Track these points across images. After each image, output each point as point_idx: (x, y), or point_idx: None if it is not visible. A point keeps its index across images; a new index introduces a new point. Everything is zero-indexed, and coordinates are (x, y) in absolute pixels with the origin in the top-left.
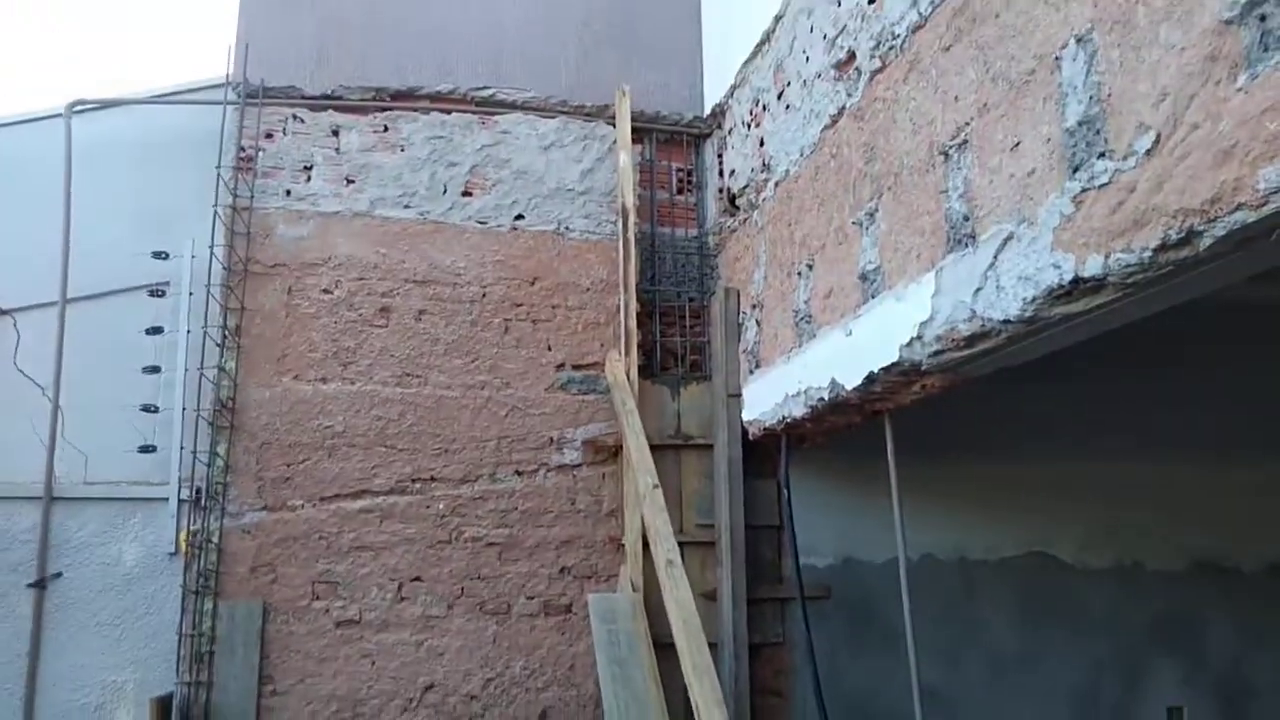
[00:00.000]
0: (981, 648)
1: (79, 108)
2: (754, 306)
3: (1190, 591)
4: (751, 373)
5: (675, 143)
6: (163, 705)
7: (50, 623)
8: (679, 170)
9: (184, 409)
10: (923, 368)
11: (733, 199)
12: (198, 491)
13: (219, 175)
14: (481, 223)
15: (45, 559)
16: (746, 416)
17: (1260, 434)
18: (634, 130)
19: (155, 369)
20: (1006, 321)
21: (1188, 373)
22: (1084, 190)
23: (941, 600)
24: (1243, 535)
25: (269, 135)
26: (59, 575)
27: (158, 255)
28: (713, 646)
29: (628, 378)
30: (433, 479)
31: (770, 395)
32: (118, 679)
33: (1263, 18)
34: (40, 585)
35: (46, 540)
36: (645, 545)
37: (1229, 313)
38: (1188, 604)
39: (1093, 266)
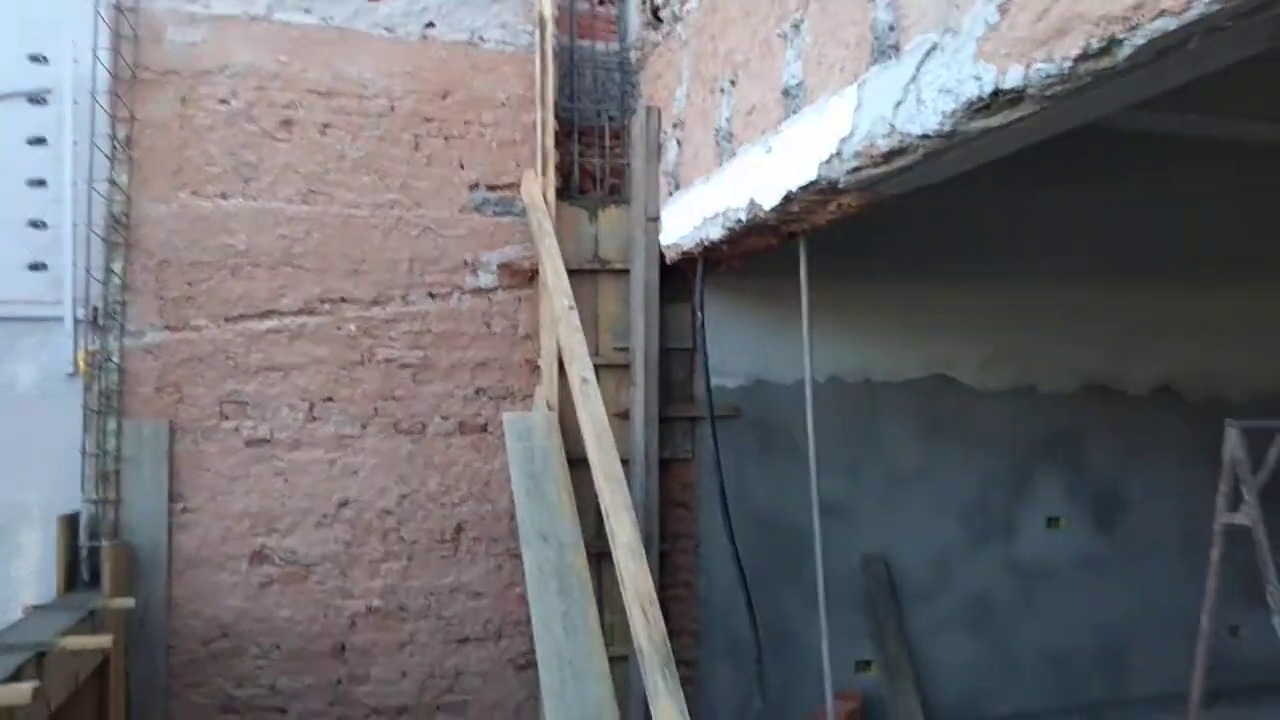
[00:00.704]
0: (881, 464)
1: None
2: (675, 125)
3: (1078, 412)
4: (671, 195)
5: None
6: (70, 523)
7: None
8: None
9: (75, 225)
10: (840, 186)
11: (655, 11)
12: (94, 310)
13: None
14: (389, 30)
15: None
16: (664, 240)
17: (1153, 259)
18: None
19: (40, 182)
20: (925, 136)
21: (1090, 197)
22: None
23: (846, 420)
24: (1131, 358)
25: None
26: None
27: (35, 59)
28: (625, 463)
29: (545, 199)
30: (343, 300)
31: (689, 218)
32: (22, 499)
33: None
34: None
35: None
36: (561, 367)
37: (1136, 139)
38: (1075, 423)
39: (1013, 78)
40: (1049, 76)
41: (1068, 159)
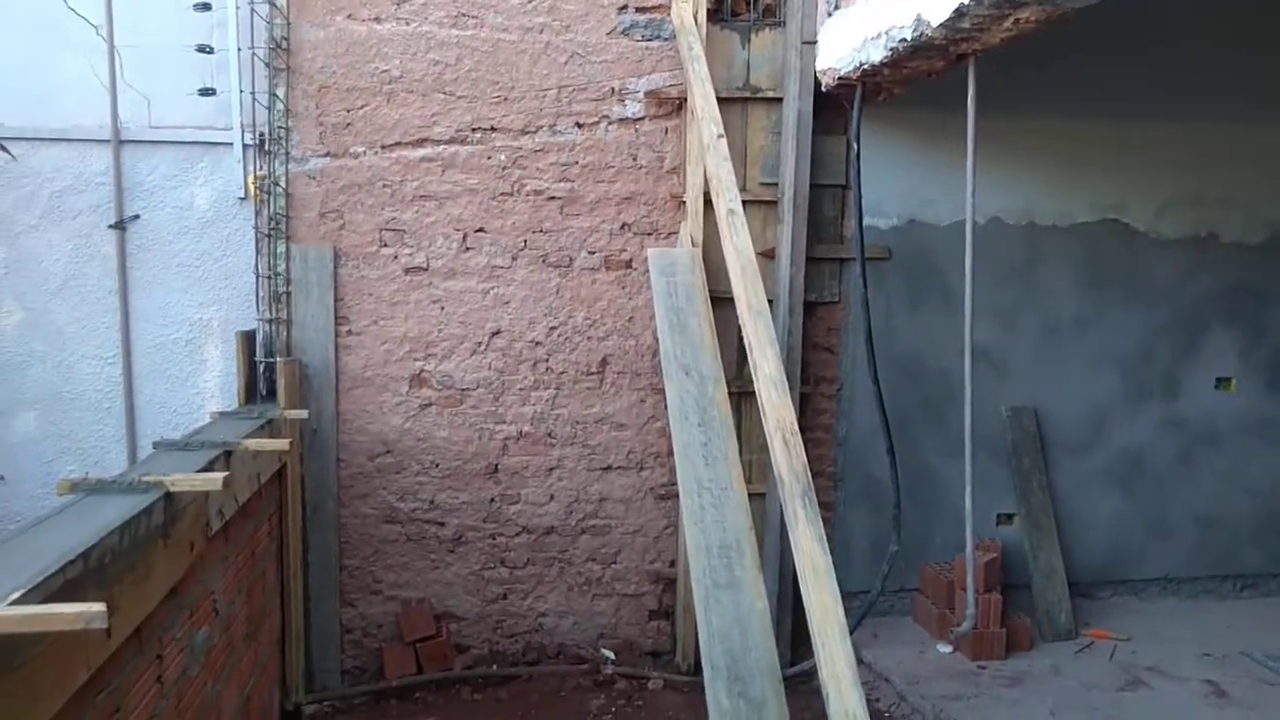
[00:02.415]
0: (1039, 312)
1: None
2: None
3: (1264, 265)
4: (830, 14)
5: None
6: (248, 339)
7: (134, 263)
8: None
9: (239, 49)
10: None
11: None
12: (261, 136)
13: None
14: None
15: (122, 201)
16: (820, 65)
17: None
18: None
19: (206, 6)
20: None
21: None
22: None
23: (1004, 265)
24: None
25: None
26: (136, 217)
27: None
28: (770, 303)
29: (695, 21)
30: (493, 129)
31: (848, 40)
32: (203, 316)
33: None
34: (120, 227)
35: (120, 183)
36: (706, 202)
37: None
38: (1259, 277)
39: None
40: None
41: None
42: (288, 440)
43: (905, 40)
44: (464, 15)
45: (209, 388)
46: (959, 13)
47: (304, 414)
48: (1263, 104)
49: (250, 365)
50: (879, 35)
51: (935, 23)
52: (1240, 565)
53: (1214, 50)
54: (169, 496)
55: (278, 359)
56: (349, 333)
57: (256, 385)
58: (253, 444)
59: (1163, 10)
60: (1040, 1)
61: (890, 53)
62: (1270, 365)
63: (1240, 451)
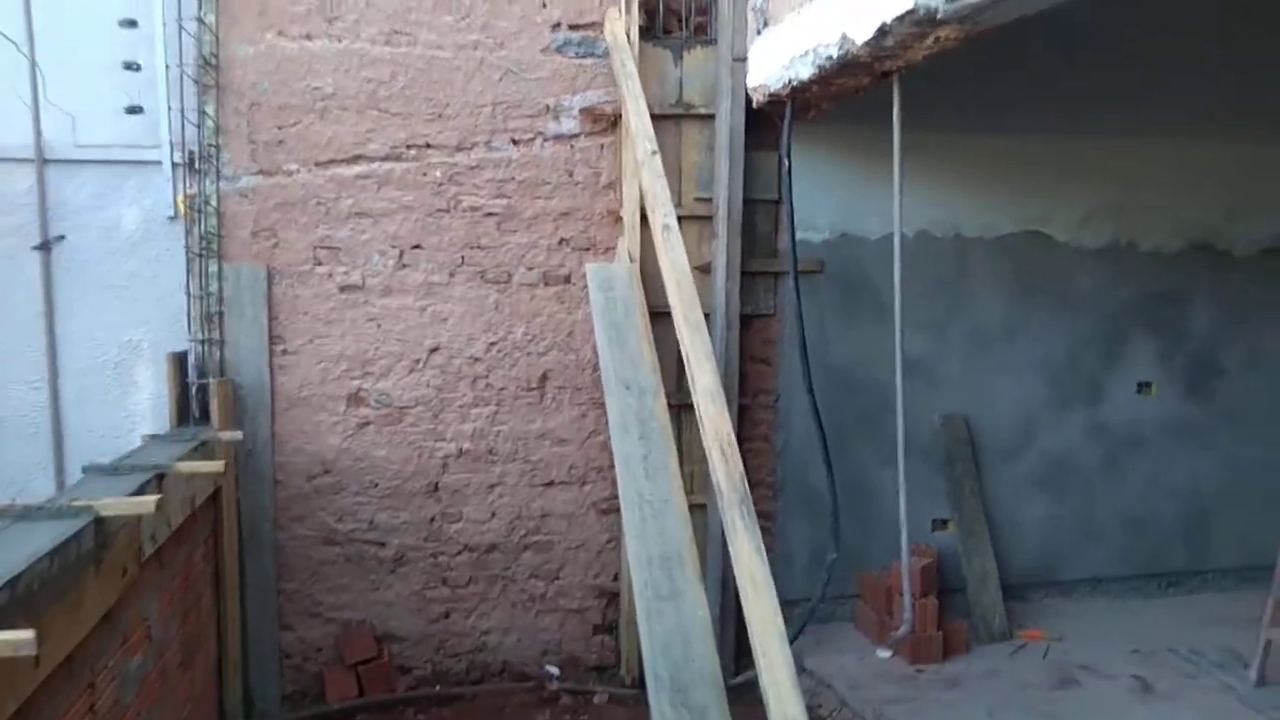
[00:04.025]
0: (968, 322)
1: None
2: None
3: (1180, 272)
4: (759, 32)
5: None
6: (179, 360)
7: (60, 285)
8: None
9: (167, 66)
10: (938, 16)
11: None
12: (190, 154)
13: None
14: None
15: (46, 221)
16: (751, 82)
17: (1267, 111)
18: None
19: (132, 23)
20: None
21: (1200, 45)
22: None
23: (933, 276)
24: (1240, 216)
25: None
26: (61, 238)
27: None
28: (706, 317)
29: (628, 39)
30: (428, 145)
31: (777, 58)
32: (133, 338)
33: None
34: (45, 248)
35: (45, 203)
36: (643, 217)
37: None
38: (1176, 285)
39: None
40: None
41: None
42: (222, 462)
43: (832, 58)
44: (397, 33)
45: (140, 410)
46: (882, 31)
47: (238, 435)
48: (1174, 119)
49: (182, 387)
50: (806, 53)
51: (860, 41)
52: (1165, 565)
53: (1129, 68)
54: (99, 521)
55: (211, 380)
56: (284, 352)
57: (189, 407)
58: (186, 466)
59: (1082, 29)
60: (959, 19)
61: (818, 70)
62: (1189, 370)
63: (1162, 454)
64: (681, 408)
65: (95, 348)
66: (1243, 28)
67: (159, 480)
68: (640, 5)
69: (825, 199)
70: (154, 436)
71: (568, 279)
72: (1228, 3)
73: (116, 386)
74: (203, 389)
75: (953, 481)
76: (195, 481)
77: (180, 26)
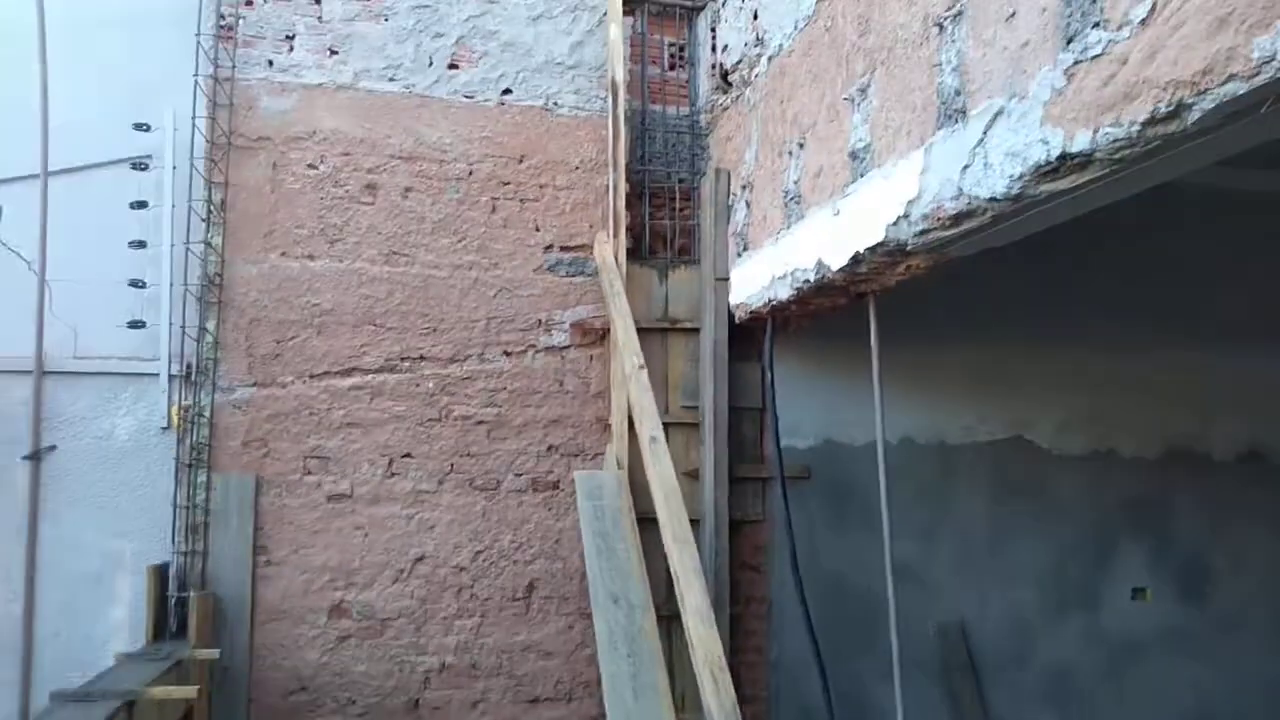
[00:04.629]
0: (956, 528)
1: None
2: (744, 187)
3: (1162, 477)
4: (740, 255)
5: (668, 16)
6: (160, 573)
7: (47, 494)
8: (671, 45)
9: (171, 284)
10: (908, 248)
11: (725, 75)
12: (188, 367)
13: (198, 44)
14: (468, 97)
15: (39, 432)
16: (733, 300)
17: (1240, 321)
18: (625, 1)
19: (141, 244)
20: (993, 199)
21: (1174, 257)
22: (1076, 62)
23: (919, 482)
24: (1217, 423)
25: (249, 2)
26: (53, 448)
27: (139, 127)
28: (695, 523)
29: (616, 260)
30: (422, 358)
31: (757, 278)
32: (115, 548)
33: None
34: (35, 458)
35: (39, 414)
36: (631, 425)
37: (1223, 197)
38: (1159, 490)
39: (1080, 142)
40: (1116, 141)
41: (1149, 218)
42: (195, 687)
43: (809, 281)
44: (396, 254)
45: (117, 623)
46: (855, 259)
47: (215, 653)
48: (1147, 329)
49: (161, 600)
50: (785, 275)
51: (835, 267)
52: None
53: (1102, 280)
54: None
55: (191, 593)
56: (267, 563)
57: (167, 621)
58: (158, 692)
59: (1054, 245)
60: (927, 250)
61: (796, 291)
62: (1181, 575)
63: (1162, 662)
64: (671, 619)
65: (77, 559)
66: (1211, 239)
67: (129, 708)
68: (627, 228)
69: (809, 407)
70: (128, 655)
71: (556, 485)
72: (1193, 217)
73: (95, 598)
74: (182, 602)
75: (950, 694)
76: (167, 708)
77: (187, 249)
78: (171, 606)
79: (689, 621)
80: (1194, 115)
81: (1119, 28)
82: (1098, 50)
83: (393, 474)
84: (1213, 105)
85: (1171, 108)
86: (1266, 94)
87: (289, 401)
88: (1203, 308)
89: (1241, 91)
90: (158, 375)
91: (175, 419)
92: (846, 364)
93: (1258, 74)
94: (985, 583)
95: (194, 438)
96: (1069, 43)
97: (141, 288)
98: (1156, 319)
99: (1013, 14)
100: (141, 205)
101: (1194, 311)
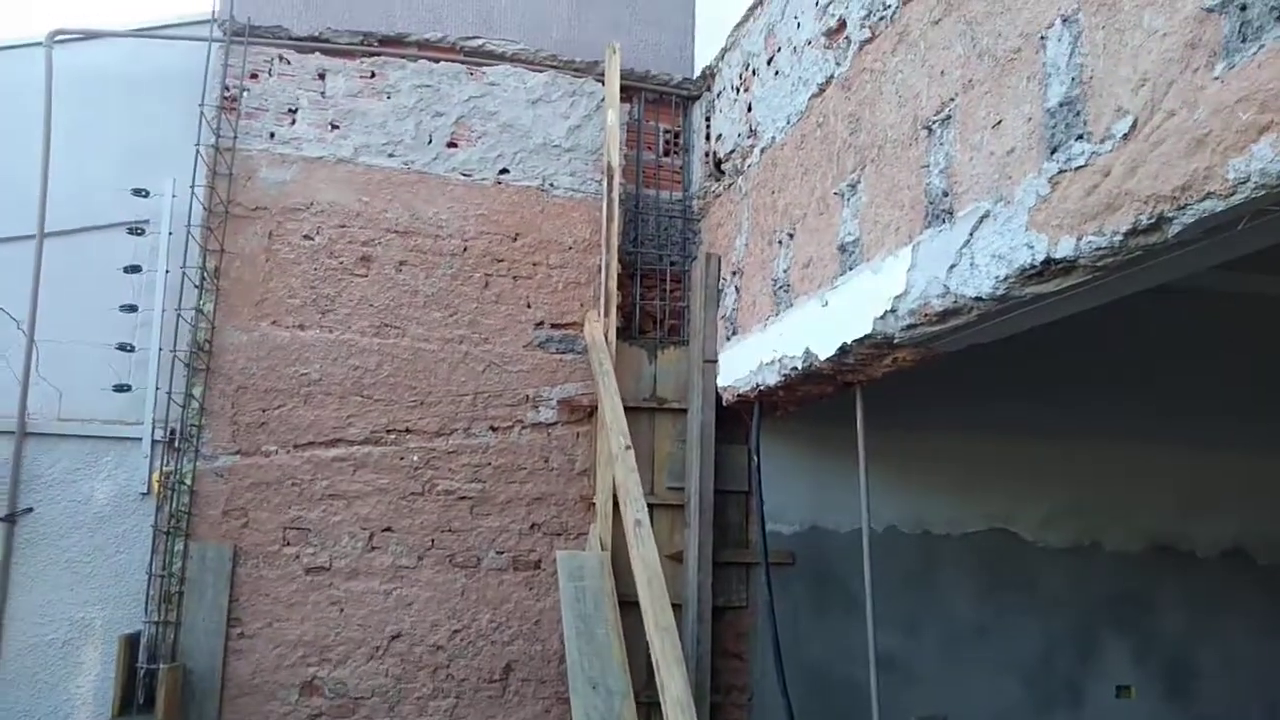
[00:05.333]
0: (940, 619)
1: (60, 38)
2: (734, 273)
3: (1145, 573)
4: (729, 339)
5: (664, 103)
6: (131, 643)
7: (19, 558)
8: (666, 132)
9: (160, 349)
10: (895, 341)
11: (718, 164)
12: (172, 433)
13: (202, 114)
14: (466, 175)
15: (16, 494)
16: (721, 383)
17: (1218, 421)
18: (623, 89)
19: (132, 308)
20: (979, 299)
21: (1157, 354)
22: (1060, 171)
23: (903, 572)
24: (1199, 518)
25: (254, 75)
26: (29, 510)
27: (138, 193)
28: (677, 607)
29: (606, 339)
30: (408, 431)
31: (746, 363)
32: (86, 616)
33: (1243, 7)
34: (10, 520)
35: (18, 475)
36: (615, 505)
37: (1201, 297)
38: (1142, 584)
39: (1065, 248)
40: (1100, 249)
41: (1140, 314)
42: None
43: (797, 369)
44: (387, 326)
45: (82, 694)
46: (843, 350)
47: None
48: (1128, 423)
49: (130, 671)
50: (773, 361)
51: (823, 356)
52: None
53: (1082, 379)
54: None
55: (161, 665)
56: (241, 635)
57: (134, 694)
58: None
59: (1036, 341)
60: (914, 344)
61: (784, 378)
62: (1166, 672)
63: None
64: (651, 706)
65: (45, 625)
66: (1194, 335)
67: None
68: (618, 308)
69: (795, 492)
70: None
71: (538, 564)
72: (1179, 311)
73: (61, 667)
74: (151, 674)
75: None
76: None
77: (178, 315)
78: (140, 678)
79: (669, 711)
80: (1175, 228)
81: (1102, 140)
82: (1081, 161)
83: (373, 548)
84: (1193, 220)
85: (1153, 220)
86: (1243, 212)
87: (272, 471)
88: (1184, 403)
89: (1219, 209)
90: (140, 440)
91: (156, 485)
92: (833, 450)
93: (1234, 193)
94: (968, 676)
95: (174, 505)
96: (1053, 152)
97: (130, 351)
98: (1139, 414)
99: (999, 121)
100: (135, 269)
101: (1176, 407)
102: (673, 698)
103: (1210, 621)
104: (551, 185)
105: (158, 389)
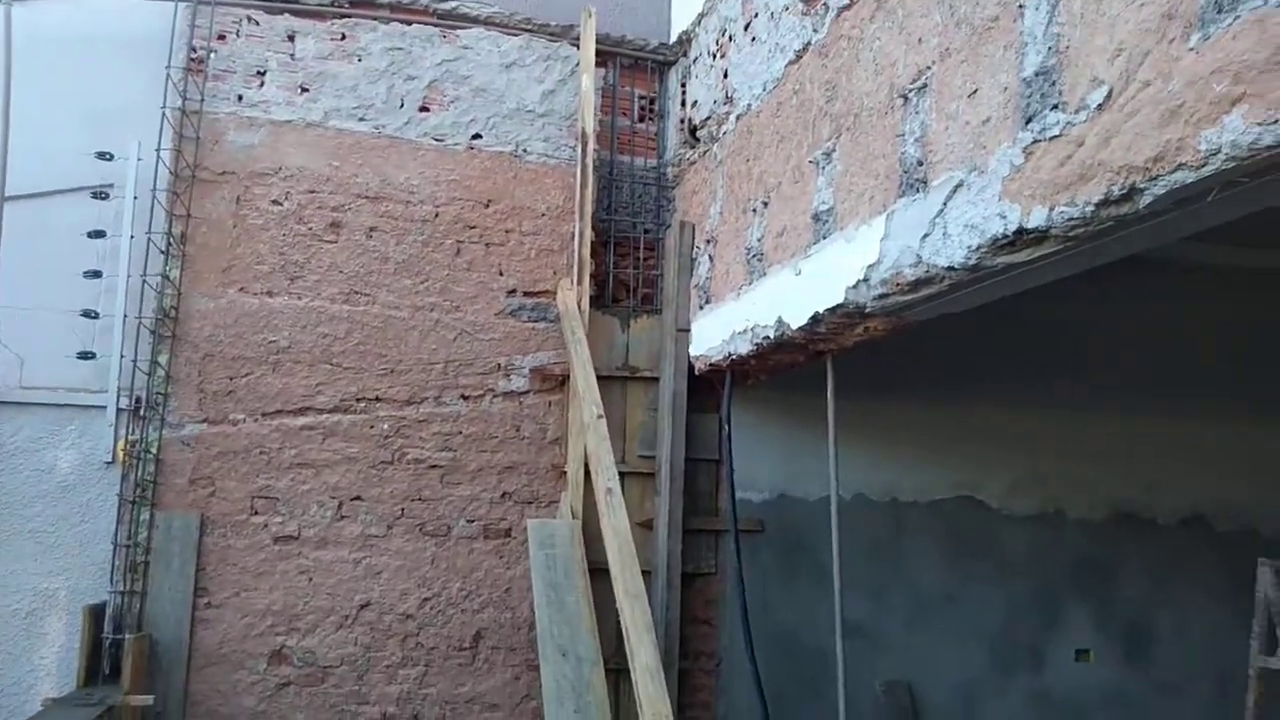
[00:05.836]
0: (906, 585)
1: None
2: (708, 241)
3: (1107, 540)
4: (701, 308)
5: (639, 69)
6: (95, 614)
7: None
8: (641, 98)
9: (125, 316)
10: (867, 310)
11: (694, 130)
12: (137, 401)
13: (168, 76)
14: (438, 140)
15: None
16: (694, 352)
17: (1186, 388)
18: (598, 54)
19: (96, 274)
20: (951, 269)
21: (1125, 324)
22: (1035, 141)
23: (871, 539)
24: (1161, 487)
25: (221, 37)
26: None
27: (102, 156)
28: (647, 574)
29: (579, 307)
30: (378, 399)
31: (718, 332)
32: (50, 586)
33: None
34: None
35: None
36: (587, 474)
37: (1176, 269)
38: (1104, 551)
39: (1037, 218)
40: (1072, 219)
41: (1104, 285)
42: None
43: (769, 338)
44: (357, 293)
45: (46, 665)
46: (815, 319)
47: (148, 700)
48: (1093, 394)
49: (95, 642)
50: (745, 330)
51: (795, 325)
52: None
53: (1050, 345)
54: None
55: (126, 635)
56: (208, 605)
57: (100, 664)
58: None
59: (1004, 312)
60: (886, 314)
61: (756, 347)
62: (1125, 637)
63: None
64: (620, 672)
65: (7, 595)
66: (1156, 307)
67: None
68: (591, 276)
69: (765, 460)
70: (56, 700)
71: (508, 533)
72: (1141, 284)
73: (24, 638)
74: (117, 644)
75: None
76: None
77: (144, 280)
78: (105, 649)
79: (638, 679)
80: (1146, 199)
81: (1076, 111)
82: (1056, 131)
83: (342, 517)
84: (1164, 191)
85: (1125, 191)
86: (1214, 183)
87: (239, 440)
88: (1150, 373)
89: (1190, 180)
90: (105, 408)
91: (121, 454)
92: (803, 419)
93: (1205, 165)
94: (933, 641)
95: (139, 474)
96: (1028, 122)
97: (94, 318)
98: (1104, 385)
99: (975, 90)
100: (99, 234)
101: (1140, 378)
102: (642, 664)
103: (1169, 587)
104: (525, 151)
105: (123, 356)
